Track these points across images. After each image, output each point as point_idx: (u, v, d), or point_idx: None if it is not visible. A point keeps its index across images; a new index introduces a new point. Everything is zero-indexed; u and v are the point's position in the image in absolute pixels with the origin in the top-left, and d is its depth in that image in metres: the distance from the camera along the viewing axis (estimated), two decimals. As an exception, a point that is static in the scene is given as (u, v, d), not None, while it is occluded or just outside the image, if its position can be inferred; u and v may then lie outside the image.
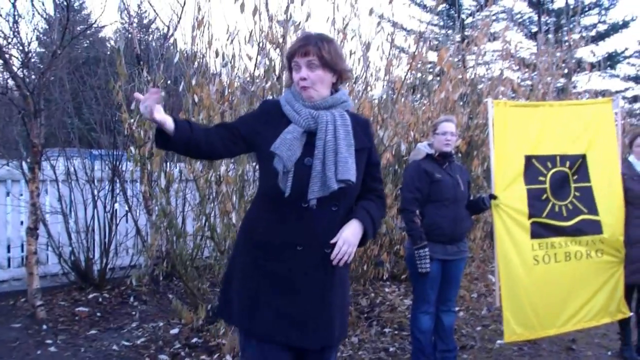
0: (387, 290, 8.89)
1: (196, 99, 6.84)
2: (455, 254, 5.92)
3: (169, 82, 7.51)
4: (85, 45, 16.89)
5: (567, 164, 6.32)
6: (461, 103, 9.82)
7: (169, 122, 3.01)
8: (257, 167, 3.78)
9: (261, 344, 3.31)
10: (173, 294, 8.31)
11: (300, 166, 3.23)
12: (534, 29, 29.09)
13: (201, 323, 6.97)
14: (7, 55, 7.58)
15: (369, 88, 8.20)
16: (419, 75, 10.09)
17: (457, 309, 6.90)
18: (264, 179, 3.42)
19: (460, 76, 9.65)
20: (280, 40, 7.07)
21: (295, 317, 3.31)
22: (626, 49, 34.42)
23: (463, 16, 26.50)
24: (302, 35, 3.54)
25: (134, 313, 7.96)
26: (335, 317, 3.44)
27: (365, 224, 3.36)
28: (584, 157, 6.37)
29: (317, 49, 3.32)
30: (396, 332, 7.29)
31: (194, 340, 6.77)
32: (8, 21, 7.76)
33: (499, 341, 6.95)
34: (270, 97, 7.00)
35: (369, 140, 3.55)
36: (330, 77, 3.40)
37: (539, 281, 6.06)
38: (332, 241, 3.27)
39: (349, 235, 3.29)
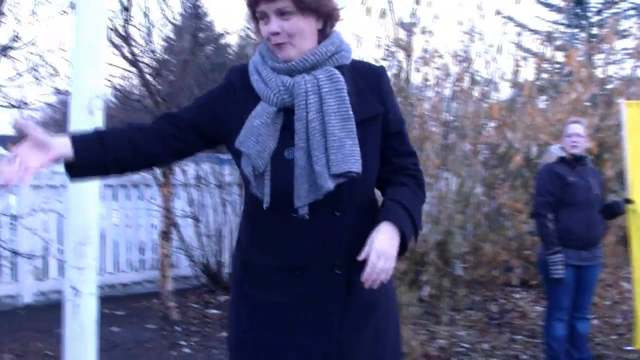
0: (517, 296, 8.73)
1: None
2: (589, 260, 5.76)
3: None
4: (210, 51, 17.28)
5: None
6: (591, 104, 9.57)
7: (64, 150, 2.22)
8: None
9: None
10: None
11: (279, 162, 2.30)
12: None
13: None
14: (140, 64, 7.80)
15: (496, 91, 8.11)
16: (546, 76, 9.91)
17: (590, 316, 6.71)
18: (244, 182, 2.47)
19: (589, 76, 9.43)
20: (407, 42, 7.05)
21: (297, 352, 2.39)
22: None
23: (590, 14, 25.87)
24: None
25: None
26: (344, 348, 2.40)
27: (400, 223, 2.28)
28: None
29: None
30: (528, 339, 7.14)
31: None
32: (141, 30, 8.00)
33: (627, 347, 6.72)
34: (400, 99, 6.98)
35: (382, 100, 2.46)
36: (314, 23, 2.35)
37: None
38: (361, 257, 2.20)
39: (383, 245, 2.21)
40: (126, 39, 7.55)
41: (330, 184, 2.23)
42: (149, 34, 7.98)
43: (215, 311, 8.19)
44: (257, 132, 2.28)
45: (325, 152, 2.25)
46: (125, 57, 7.68)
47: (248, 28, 12.47)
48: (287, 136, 2.29)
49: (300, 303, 2.36)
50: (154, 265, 9.15)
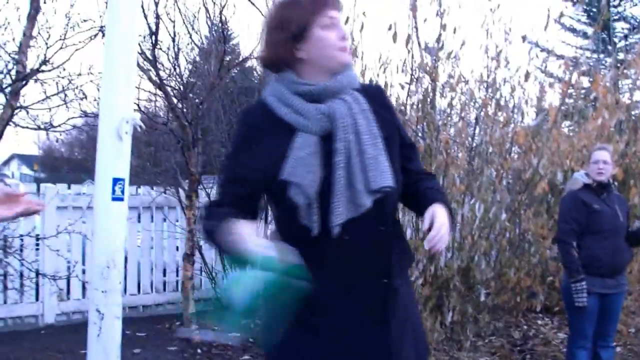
0: (540, 322, 8.65)
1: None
2: (614, 288, 5.71)
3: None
4: (233, 74, 17.34)
5: None
6: (616, 130, 9.52)
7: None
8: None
9: None
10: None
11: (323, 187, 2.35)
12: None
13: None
14: (167, 88, 7.85)
15: (521, 116, 8.09)
16: (571, 101, 9.87)
17: (614, 344, 6.65)
18: (281, 215, 2.53)
19: (615, 102, 9.39)
20: (433, 69, 7.05)
21: None
22: None
23: (616, 39, 25.75)
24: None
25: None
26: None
27: (448, 205, 2.48)
28: None
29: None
30: (552, 366, 7.11)
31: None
32: (168, 54, 8.07)
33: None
34: (423, 126, 6.98)
35: (393, 116, 2.63)
36: None
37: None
38: (425, 227, 2.36)
39: (444, 217, 2.37)
40: (153, 62, 7.61)
41: (368, 201, 2.32)
42: (176, 57, 8.05)
43: (236, 334, 8.16)
44: (307, 162, 2.32)
45: (362, 170, 2.33)
46: (152, 81, 7.75)
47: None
48: (327, 161, 2.34)
49: (352, 317, 2.41)
50: (176, 287, 9.16)
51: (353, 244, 2.36)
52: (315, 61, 2.42)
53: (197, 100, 8.43)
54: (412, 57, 7.07)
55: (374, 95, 2.57)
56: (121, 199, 3.95)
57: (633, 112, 10.46)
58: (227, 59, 8.90)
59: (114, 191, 3.89)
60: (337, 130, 2.35)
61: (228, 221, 2.22)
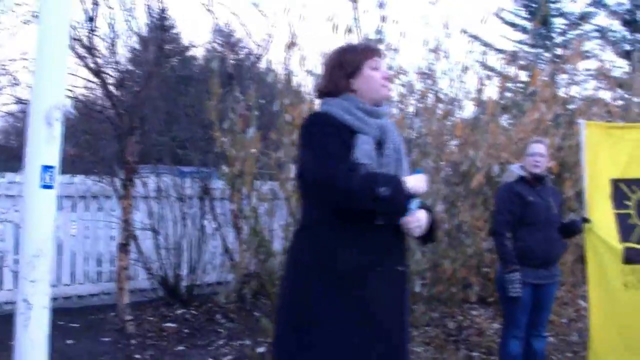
0: (474, 313, 8.72)
1: (289, 119, 6.86)
2: (547, 278, 5.80)
3: (261, 101, 7.55)
4: (175, 63, 17.17)
5: None
6: (553, 124, 9.63)
7: None
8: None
9: None
10: (260, 313, 8.30)
11: None
12: (627, 47, 28.48)
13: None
14: (103, 75, 7.72)
15: (460, 109, 8.13)
16: (510, 95, 9.95)
17: (546, 334, 6.73)
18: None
19: (552, 96, 9.49)
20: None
21: (381, 343, 3.12)
22: None
23: (554, 35, 26.12)
24: (366, 41, 3.64)
25: (221, 330, 7.99)
26: (407, 337, 3.39)
27: (433, 217, 3.34)
28: None
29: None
30: (484, 356, 7.14)
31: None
32: (105, 41, 7.92)
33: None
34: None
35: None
36: None
37: (628, 307, 5.84)
38: (404, 220, 3.12)
39: (423, 216, 3.18)
40: (90, 49, 7.47)
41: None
42: (113, 44, 7.91)
43: (172, 325, 8.10)
44: (370, 154, 3.10)
45: (397, 172, 3.16)
46: (88, 68, 7.61)
47: (214, 42, 12.39)
48: (380, 160, 3.14)
49: (381, 293, 3.15)
50: (111, 277, 9.03)
51: (385, 231, 3.14)
52: (364, 92, 3.25)
53: (135, 89, 8.29)
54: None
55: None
56: (51, 187, 3.85)
57: (570, 107, 10.59)
58: (168, 47, 8.80)
59: (43, 179, 3.79)
60: (387, 139, 3.21)
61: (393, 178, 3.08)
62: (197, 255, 9.42)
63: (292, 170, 6.72)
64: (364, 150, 3.08)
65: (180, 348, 7.28)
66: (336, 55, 3.37)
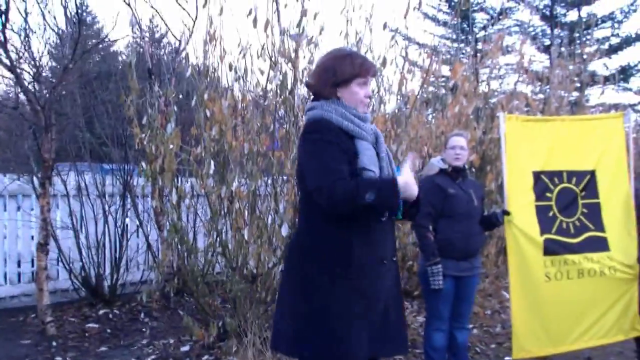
0: (400, 307, 8.76)
1: (208, 114, 6.79)
2: (468, 270, 5.86)
3: (180, 96, 7.45)
4: (97, 59, 16.91)
5: (574, 180, 6.23)
6: (474, 117, 9.73)
7: None
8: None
9: None
10: (184, 311, 8.21)
11: None
12: (547, 42, 28.99)
13: (212, 340, 6.86)
14: (18, 70, 7.53)
15: (382, 103, 8.14)
16: (432, 89, 10.03)
17: (470, 326, 6.79)
18: None
19: (474, 90, 9.59)
20: (293, 54, 7.00)
21: (386, 329, 3.46)
22: (639, 62, 34.33)
23: (475, 29, 26.50)
24: (363, 55, 3.76)
25: (144, 330, 7.89)
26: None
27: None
28: (593, 173, 6.28)
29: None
30: (409, 349, 7.16)
31: (205, 357, 6.68)
32: (20, 35, 7.73)
33: (507, 358, 6.84)
34: (283, 112, 6.95)
35: None
36: None
37: (550, 298, 5.98)
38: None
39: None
40: (3, 43, 7.28)
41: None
42: (28, 38, 7.72)
43: (94, 325, 7.96)
44: (372, 159, 3.36)
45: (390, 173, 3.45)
46: (1, 63, 7.41)
47: (136, 37, 12.21)
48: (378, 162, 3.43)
49: (385, 284, 3.45)
50: (32, 278, 8.84)
51: (385, 227, 3.45)
52: (347, 101, 3.48)
53: (51, 83, 8.09)
54: (272, 43, 7.00)
55: None
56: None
57: (491, 101, 10.72)
58: (90, 42, 8.63)
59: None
60: (380, 144, 3.51)
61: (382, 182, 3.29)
62: (120, 254, 9.27)
63: (211, 166, 6.66)
64: (368, 157, 3.34)
65: (103, 349, 7.16)
66: (333, 60, 3.56)
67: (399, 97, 8.41)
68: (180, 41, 9.63)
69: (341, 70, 3.47)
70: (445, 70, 12.22)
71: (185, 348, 7.03)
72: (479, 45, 13.77)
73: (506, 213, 5.91)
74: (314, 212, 3.43)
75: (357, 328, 3.32)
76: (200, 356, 6.73)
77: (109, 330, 7.84)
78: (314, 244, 3.42)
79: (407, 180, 3.25)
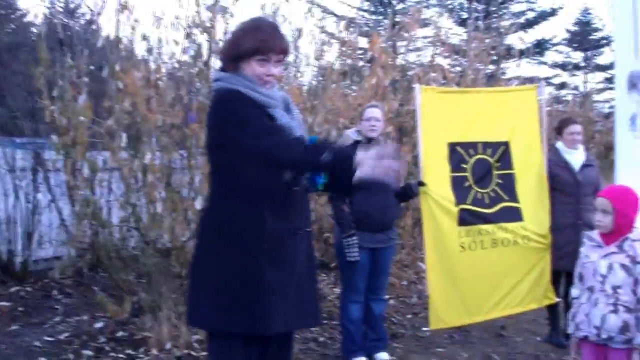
0: (317, 279, 8.76)
1: (121, 86, 6.64)
2: (384, 242, 5.91)
3: (92, 67, 7.25)
4: (9, 31, 16.43)
5: (489, 151, 6.29)
6: (392, 89, 9.76)
7: None
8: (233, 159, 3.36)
9: (232, 341, 3.34)
10: (98, 287, 8.06)
11: None
12: (464, 15, 29.29)
13: (126, 316, 6.76)
14: None
15: (298, 74, 8.10)
16: (349, 61, 10.01)
17: (387, 297, 6.84)
18: (260, 169, 3.26)
19: (391, 62, 9.61)
20: (208, 24, 6.90)
21: (299, 302, 3.39)
22: (554, 36, 35.09)
23: (394, 2, 26.59)
24: (274, 28, 3.43)
25: (57, 307, 7.71)
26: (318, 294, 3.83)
27: None
28: (507, 144, 6.36)
29: (288, 47, 3.46)
30: (325, 321, 7.16)
31: (120, 334, 6.55)
32: None
33: (424, 328, 6.91)
34: (199, 84, 6.86)
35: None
36: None
37: (465, 268, 6.06)
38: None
39: None
40: None
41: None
42: None
43: (5, 303, 7.73)
44: (291, 124, 3.35)
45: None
46: None
47: (51, 7, 11.92)
48: None
49: (299, 255, 3.41)
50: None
51: (298, 197, 3.36)
52: (247, 74, 3.33)
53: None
54: (187, 13, 6.89)
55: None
56: None
57: (408, 73, 10.77)
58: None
59: None
60: (292, 110, 3.47)
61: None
62: (32, 230, 9.03)
63: (123, 139, 6.53)
64: (288, 123, 3.33)
65: (14, 327, 6.98)
66: (239, 32, 3.46)
67: (315, 68, 8.39)
68: (93, 11, 9.41)
69: (243, 44, 3.34)
70: (363, 42, 12.24)
71: (99, 324, 6.88)
72: (397, 18, 13.79)
73: (422, 184, 5.92)
74: (225, 185, 3.40)
75: (273, 301, 3.28)
76: (115, 332, 6.60)
77: (20, 308, 7.64)
78: (225, 218, 3.36)
79: (364, 159, 3.07)
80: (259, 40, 3.30)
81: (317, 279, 3.75)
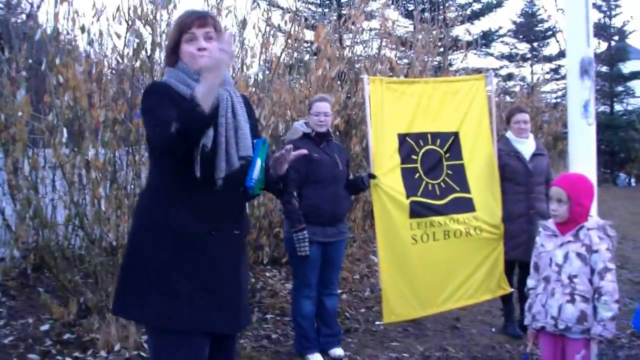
0: (267, 274, 8.64)
1: (61, 80, 6.46)
2: (335, 236, 5.86)
3: (30, 61, 7.06)
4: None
5: (438, 142, 6.28)
6: (339, 81, 9.70)
7: None
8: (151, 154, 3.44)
9: (182, 338, 3.21)
10: (43, 288, 7.86)
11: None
12: (410, 7, 29.36)
13: (73, 318, 6.59)
14: None
15: (244, 67, 7.98)
16: (295, 54, 9.93)
17: (339, 291, 6.78)
18: (173, 165, 3.18)
19: (337, 54, 9.54)
20: (151, 17, 6.75)
21: (219, 303, 3.26)
22: (500, 27, 35.30)
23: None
24: (193, 10, 3.41)
25: (1, 310, 7.48)
26: (246, 300, 3.50)
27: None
28: (456, 134, 6.36)
29: (213, 20, 3.35)
30: (278, 318, 7.10)
31: (66, 336, 6.38)
32: None
33: (378, 322, 6.87)
34: (142, 78, 6.72)
35: (254, 117, 3.59)
36: None
37: (417, 261, 6.02)
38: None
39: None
40: None
41: (237, 164, 3.16)
42: None
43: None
44: None
45: (236, 141, 3.19)
46: None
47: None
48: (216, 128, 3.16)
49: (217, 257, 3.25)
50: None
51: (222, 196, 3.22)
52: (189, 64, 3.28)
53: None
54: (129, 5, 6.75)
55: (245, 99, 3.49)
56: None
57: (355, 65, 10.72)
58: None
59: None
60: (220, 109, 3.14)
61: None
62: (-27, 231, 8.79)
63: (64, 134, 6.36)
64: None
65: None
66: (171, 27, 3.61)
67: (261, 61, 8.29)
68: (32, 4, 9.18)
69: (172, 35, 3.40)
70: (309, 35, 12.15)
71: (45, 327, 6.69)
72: (343, 11, 13.73)
73: (372, 177, 5.86)
74: (152, 175, 3.44)
75: (179, 300, 3.20)
76: (61, 335, 6.42)
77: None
78: (140, 213, 3.41)
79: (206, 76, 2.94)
80: (179, 23, 3.36)
81: (245, 283, 3.51)
